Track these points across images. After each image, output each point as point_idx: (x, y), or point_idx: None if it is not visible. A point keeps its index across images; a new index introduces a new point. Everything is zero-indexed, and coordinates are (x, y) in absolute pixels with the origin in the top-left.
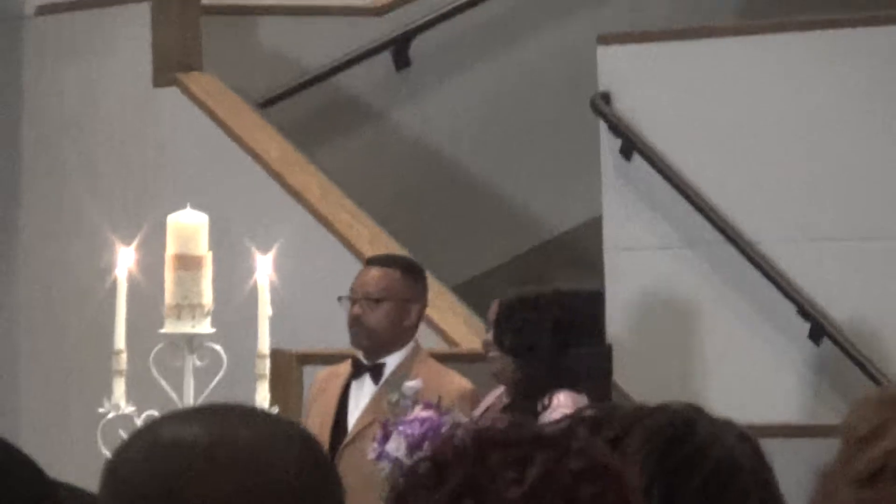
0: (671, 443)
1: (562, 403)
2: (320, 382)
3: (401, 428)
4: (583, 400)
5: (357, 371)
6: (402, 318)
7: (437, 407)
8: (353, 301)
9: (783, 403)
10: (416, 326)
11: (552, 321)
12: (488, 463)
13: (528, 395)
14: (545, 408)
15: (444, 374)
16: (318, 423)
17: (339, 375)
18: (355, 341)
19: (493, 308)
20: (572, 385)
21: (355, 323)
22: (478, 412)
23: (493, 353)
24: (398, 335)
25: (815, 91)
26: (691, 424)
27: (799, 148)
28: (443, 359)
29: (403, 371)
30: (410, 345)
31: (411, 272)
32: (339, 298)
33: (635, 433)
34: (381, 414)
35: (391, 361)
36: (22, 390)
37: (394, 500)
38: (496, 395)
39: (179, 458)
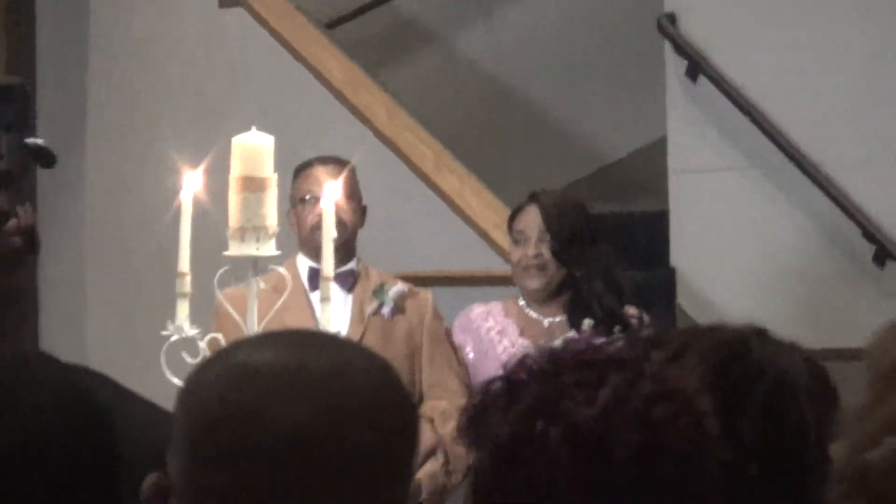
0: (727, 361)
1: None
2: (237, 300)
3: None
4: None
5: (314, 281)
6: (362, 221)
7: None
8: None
9: (847, 327)
10: None
11: (597, 230)
12: (561, 383)
13: (587, 310)
14: (627, 324)
15: (401, 282)
16: None
17: (279, 290)
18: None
19: (531, 217)
20: (621, 299)
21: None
22: (490, 331)
23: (543, 263)
24: (355, 238)
25: (884, 11)
26: (745, 343)
27: (867, 70)
28: (499, 281)
29: (364, 278)
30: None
31: (356, 176)
32: (303, 199)
33: (691, 353)
34: (367, 323)
35: (352, 268)
36: (88, 312)
37: (468, 419)
38: (483, 311)
39: (254, 384)
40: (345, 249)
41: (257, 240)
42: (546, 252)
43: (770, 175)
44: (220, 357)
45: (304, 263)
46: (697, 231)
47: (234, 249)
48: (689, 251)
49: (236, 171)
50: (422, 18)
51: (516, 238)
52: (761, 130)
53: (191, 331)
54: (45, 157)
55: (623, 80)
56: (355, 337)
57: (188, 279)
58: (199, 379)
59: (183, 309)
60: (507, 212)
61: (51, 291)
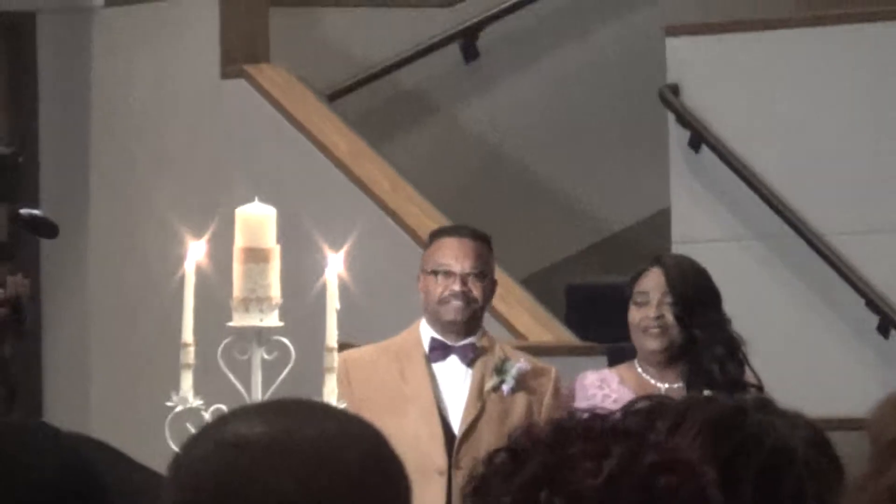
0: (723, 432)
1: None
2: (361, 364)
3: None
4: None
5: (436, 352)
6: (492, 296)
7: None
8: (452, 275)
9: (851, 396)
10: None
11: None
12: (566, 453)
13: (707, 376)
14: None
15: (525, 356)
16: (387, 407)
17: (400, 357)
18: (459, 315)
19: (654, 279)
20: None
21: (460, 297)
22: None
23: (665, 325)
24: (484, 314)
25: (882, 82)
26: (742, 413)
27: (867, 139)
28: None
29: (487, 351)
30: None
31: (492, 249)
32: (437, 273)
33: (688, 424)
34: (485, 399)
35: (474, 342)
36: (92, 382)
37: (472, 489)
38: (597, 379)
39: (240, 457)
40: (471, 323)
41: (261, 310)
42: (668, 314)
43: (773, 245)
44: (210, 429)
45: (426, 332)
46: None
47: (238, 320)
48: None
49: (239, 242)
50: (422, 90)
51: (637, 300)
52: (763, 200)
53: (195, 401)
54: (45, 228)
55: (626, 150)
56: (473, 412)
57: (192, 349)
58: (190, 451)
59: (186, 379)
60: (510, 283)
61: (55, 359)
